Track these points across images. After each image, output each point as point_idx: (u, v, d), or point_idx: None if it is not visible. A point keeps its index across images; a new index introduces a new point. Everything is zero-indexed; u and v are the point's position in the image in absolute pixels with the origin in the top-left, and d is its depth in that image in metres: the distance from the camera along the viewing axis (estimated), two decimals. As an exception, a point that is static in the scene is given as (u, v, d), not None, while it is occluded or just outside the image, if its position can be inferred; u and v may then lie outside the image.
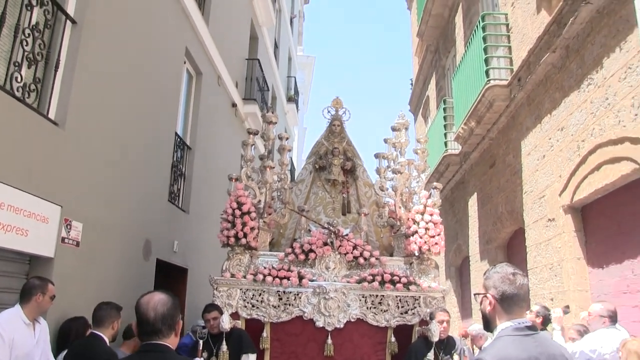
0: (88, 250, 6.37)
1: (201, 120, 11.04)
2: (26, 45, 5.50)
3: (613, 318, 5.41)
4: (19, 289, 5.19)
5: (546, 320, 6.53)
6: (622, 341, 4.74)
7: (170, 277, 9.49)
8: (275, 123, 8.21)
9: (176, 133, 9.76)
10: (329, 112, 8.97)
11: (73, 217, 6.05)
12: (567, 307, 6.72)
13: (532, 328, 2.56)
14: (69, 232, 5.95)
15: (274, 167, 7.85)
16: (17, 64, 5.37)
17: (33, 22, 5.63)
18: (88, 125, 6.43)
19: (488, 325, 2.68)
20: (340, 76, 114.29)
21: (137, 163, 7.83)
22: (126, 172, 7.48)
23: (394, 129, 8.27)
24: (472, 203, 12.30)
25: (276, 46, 21.45)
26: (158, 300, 2.65)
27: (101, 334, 5.10)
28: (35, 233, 5.37)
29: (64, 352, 5.16)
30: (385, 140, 8.41)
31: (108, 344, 5.15)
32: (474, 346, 7.64)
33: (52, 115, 5.85)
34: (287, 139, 8.53)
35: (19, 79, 5.36)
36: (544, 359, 2.43)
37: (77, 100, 6.14)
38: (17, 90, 5.34)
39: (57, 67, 5.97)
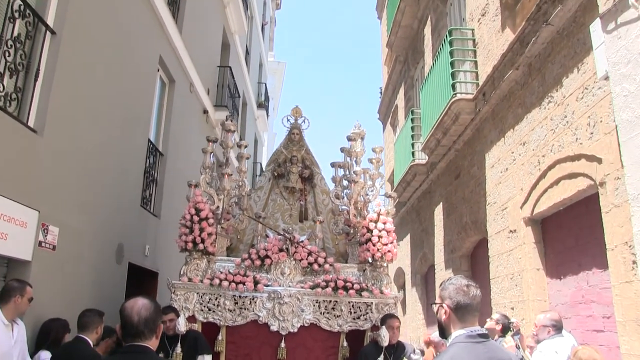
0: (64, 254, 6.51)
1: (173, 127, 11.17)
2: (8, 56, 5.64)
3: (557, 327, 5.63)
4: (-4, 291, 5.35)
5: (505, 328, 6.81)
6: (574, 349, 4.99)
7: (142, 280, 9.61)
8: (234, 131, 8.36)
9: (149, 139, 9.88)
10: (288, 120, 9.17)
11: (50, 222, 6.19)
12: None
13: (483, 336, 2.79)
14: (45, 236, 6.08)
15: (231, 175, 7.96)
16: (-1, 75, 5.50)
17: (15, 33, 5.76)
18: (65, 133, 6.57)
19: (443, 332, 2.93)
20: (310, 82, 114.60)
21: (111, 169, 7.96)
22: (101, 178, 7.61)
23: (349, 139, 8.40)
24: (438, 212, 12.61)
25: (247, 52, 21.61)
26: (142, 305, 2.84)
27: (86, 338, 5.40)
28: (13, 237, 5.50)
29: (42, 352, 5.37)
30: (342, 150, 8.56)
31: (92, 346, 5.43)
32: (438, 352, 7.88)
33: (31, 123, 5.98)
34: (245, 146, 8.66)
35: (1, 89, 5.49)
36: None
37: (55, 109, 6.28)
38: (0, 100, 5.46)
39: (36, 76, 6.11)
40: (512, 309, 8.07)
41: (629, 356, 5.27)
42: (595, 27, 5.36)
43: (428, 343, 8.20)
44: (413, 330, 15.31)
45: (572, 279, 6.96)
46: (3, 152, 5.36)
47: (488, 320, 7.06)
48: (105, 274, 7.75)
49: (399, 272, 17.90)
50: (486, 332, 2.89)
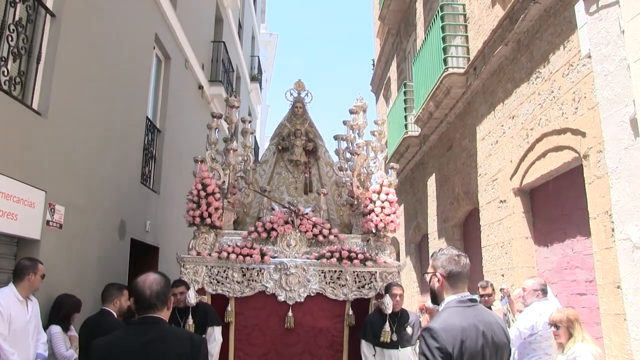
0: (70, 232, 6.77)
1: (170, 104, 11.36)
2: (11, 41, 5.82)
3: (545, 290, 6.02)
4: (8, 269, 5.67)
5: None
6: (557, 311, 5.30)
7: (143, 255, 9.88)
8: (238, 107, 8.47)
9: (147, 117, 10.08)
10: (291, 94, 9.26)
11: (56, 201, 6.43)
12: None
13: (472, 300, 3.10)
14: (52, 215, 6.33)
15: (237, 150, 8.07)
16: (3, 59, 5.68)
17: (17, 18, 5.94)
18: (68, 114, 6.78)
19: (435, 299, 3.22)
20: (302, 53, 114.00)
21: (111, 147, 8.17)
22: (102, 156, 7.83)
23: (352, 112, 8.50)
24: (431, 183, 12.88)
25: (240, 26, 21.64)
26: (153, 280, 3.11)
27: (109, 309, 5.87)
28: (23, 217, 5.75)
29: (53, 326, 5.73)
30: (344, 123, 8.64)
31: (116, 316, 5.91)
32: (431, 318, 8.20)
33: (35, 106, 6.20)
34: (250, 122, 8.77)
35: (5, 73, 5.69)
36: (482, 325, 2.95)
37: (57, 90, 6.48)
38: (4, 84, 5.67)
39: (38, 59, 6.30)
40: (503, 275, 8.39)
41: (607, 315, 5.66)
42: (580, 7, 5.56)
43: (423, 309, 8.56)
44: (407, 298, 15.57)
45: (558, 247, 7.27)
46: (10, 135, 5.58)
47: (479, 284, 7.39)
48: (109, 250, 8.02)
49: (394, 241, 18.05)
50: (475, 297, 3.18)
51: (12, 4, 5.85)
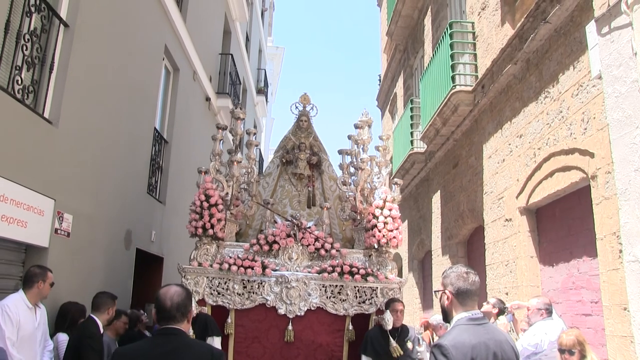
0: (77, 240, 6.81)
1: (177, 115, 11.43)
2: (26, 50, 5.89)
3: (549, 310, 6.03)
4: (16, 276, 5.71)
5: (501, 312, 7.14)
6: (560, 334, 5.27)
7: (148, 265, 9.90)
8: (243, 119, 8.46)
9: (155, 128, 10.13)
10: (296, 107, 9.22)
11: (65, 210, 6.48)
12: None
13: (483, 318, 3.11)
14: (61, 223, 6.37)
15: (241, 162, 8.05)
16: (17, 68, 5.74)
17: (32, 27, 6.00)
18: (78, 123, 6.84)
19: (446, 316, 3.23)
20: (308, 67, 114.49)
21: (119, 157, 8.23)
22: (110, 166, 7.88)
23: (357, 127, 8.46)
24: (436, 200, 12.88)
25: (247, 39, 21.78)
26: (174, 292, 3.14)
27: (96, 318, 5.78)
28: (32, 224, 5.80)
29: (60, 334, 5.75)
30: (349, 137, 8.59)
31: (102, 326, 5.82)
32: (435, 335, 8.17)
33: (47, 115, 6.25)
34: (254, 134, 8.77)
35: (19, 82, 5.74)
36: (492, 343, 2.96)
37: (68, 100, 6.54)
38: (18, 92, 5.73)
39: (51, 69, 6.37)
40: (507, 294, 8.37)
41: (613, 337, 5.62)
42: (591, 28, 5.60)
43: (426, 326, 8.53)
44: (410, 314, 15.60)
45: (563, 266, 7.26)
46: (21, 142, 5.62)
47: (485, 304, 7.36)
48: (115, 259, 8.05)
49: (397, 257, 18.18)
50: (484, 315, 3.20)
51: (28, 14, 5.92)
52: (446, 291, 3.18)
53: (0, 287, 5.58)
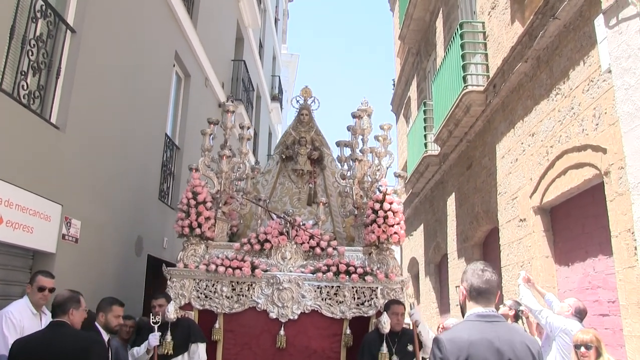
0: (86, 247, 6.79)
1: (189, 121, 11.41)
2: (31, 55, 5.89)
3: (579, 316, 5.71)
4: (23, 282, 5.66)
5: (517, 315, 7.00)
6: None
7: (160, 272, 9.83)
8: (233, 112, 8.19)
9: (166, 134, 10.13)
10: (297, 101, 8.92)
11: (72, 215, 6.46)
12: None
13: (495, 317, 2.99)
14: (68, 229, 6.35)
15: (230, 156, 7.74)
16: (23, 73, 5.75)
17: (37, 33, 6.01)
18: (86, 129, 6.83)
19: (463, 313, 3.16)
20: (323, 73, 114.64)
21: (130, 163, 8.21)
22: (120, 172, 7.86)
23: (354, 116, 8.10)
24: (451, 202, 12.76)
25: (261, 46, 21.80)
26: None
27: (96, 324, 5.53)
28: (39, 230, 5.78)
29: None
30: (349, 128, 8.22)
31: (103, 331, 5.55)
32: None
33: (53, 120, 6.25)
34: (249, 128, 8.44)
35: (25, 87, 5.75)
36: (498, 342, 2.83)
37: (76, 105, 6.54)
38: (24, 98, 5.73)
39: (58, 74, 6.37)
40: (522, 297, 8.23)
41: (631, 337, 5.46)
42: (599, 22, 5.51)
43: (443, 330, 8.40)
44: (427, 319, 15.48)
45: (579, 266, 7.12)
46: (28, 148, 5.62)
47: (501, 306, 7.22)
48: (125, 266, 8.03)
49: (413, 261, 18.09)
50: (502, 315, 3.10)
51: (34, 20, 5.93)
52: (461, 286, 3.15)
53: (7, 294, 5.57)
